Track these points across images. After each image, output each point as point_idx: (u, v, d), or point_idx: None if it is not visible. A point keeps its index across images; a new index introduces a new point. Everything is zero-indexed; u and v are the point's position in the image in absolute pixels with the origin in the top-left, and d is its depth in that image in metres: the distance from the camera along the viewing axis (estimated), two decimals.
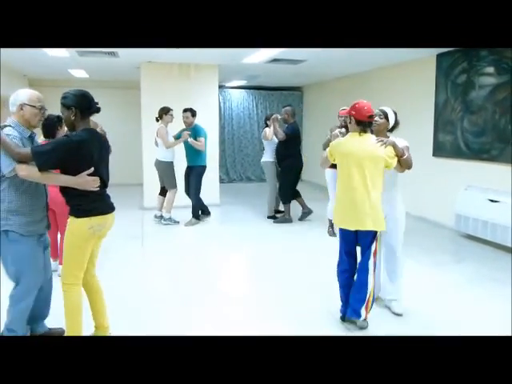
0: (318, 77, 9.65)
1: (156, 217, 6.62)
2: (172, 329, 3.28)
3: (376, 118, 3.41)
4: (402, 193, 3.62)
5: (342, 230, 3.36)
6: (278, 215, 6.94)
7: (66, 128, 2.96)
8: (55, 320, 3.07)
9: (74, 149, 2.61)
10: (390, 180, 3.43)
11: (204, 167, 6.50)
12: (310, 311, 3.65)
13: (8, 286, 2.71)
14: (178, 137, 6.41)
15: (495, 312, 3.64)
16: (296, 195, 6.84)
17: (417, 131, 6.50)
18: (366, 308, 3.29)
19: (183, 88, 7.66)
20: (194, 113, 6.41)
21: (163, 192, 6.58)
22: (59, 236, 4.22)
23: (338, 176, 3.35)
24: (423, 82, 6.77)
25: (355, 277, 3.35)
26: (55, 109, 3.31)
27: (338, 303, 3.46)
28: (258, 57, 6.79)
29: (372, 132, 3.37)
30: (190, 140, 6.21)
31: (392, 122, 3.52)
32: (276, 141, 6.69)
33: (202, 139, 6.30)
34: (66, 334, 2.87)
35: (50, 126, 3.75)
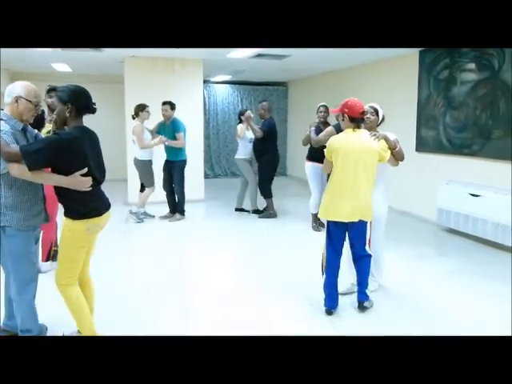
0: (302, 72, 9.67)
1: (131, 212, 6.43)
2: (162, 328, 3.28)
3: (368, 115, 3.56)
4: (387, 189, 3.75)
5: (333, 224, 3.41)
6: (243, 213, 6.96)
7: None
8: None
9: (64, 147, 2.53)
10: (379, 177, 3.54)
11: (185, 161, 6.46)
12: (301, 305, 3.69)
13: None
14: (158, 132, 6.34)
15: (476, 303, 3.72)
16: None
17: (400, 126, 6.55)
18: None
19: (167, 83, 7.61)
20: (173, 106, 6.30)
21: (143, 189, 6.49)
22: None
23: (333, 170, 3.41)
24: (406, 77, 6.84)
25: (357, 264, 3.52)
26: None
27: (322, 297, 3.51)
28: (242, 52, 6.78)
29: (364, 128, 3.50)
30: (168, 142, 6.14)
31: (381, 117, 3.69)
32: (249, 137, 6.72)
33: (181, 134, 6.24)
34: (79, 330, 2.87)
35: (40, 120, 3.70)
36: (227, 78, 10.59)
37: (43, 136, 3.57)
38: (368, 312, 3.53)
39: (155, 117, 6.42)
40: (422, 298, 3.83)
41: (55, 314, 3.11)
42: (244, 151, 6.77)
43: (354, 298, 3.63)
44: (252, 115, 6.65)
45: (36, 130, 2.98)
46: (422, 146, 6.59)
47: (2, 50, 6.47)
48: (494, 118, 5.31)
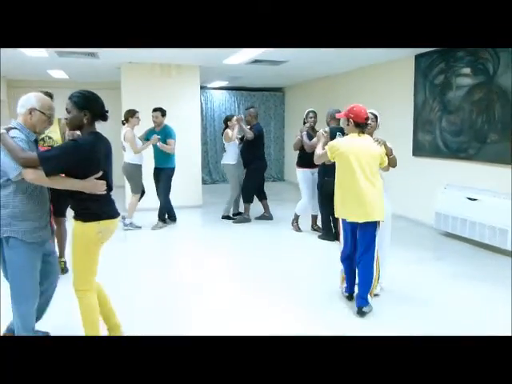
0: (299, 77, 9.71)
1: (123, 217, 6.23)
2: (162, 329, 3.28)
3: (369, 121, 3.67)
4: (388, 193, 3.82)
5: (348, 223, 3.61)
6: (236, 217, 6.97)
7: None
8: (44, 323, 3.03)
9: (81, 153, 2.54)
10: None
11: (173, 169, 6.40)
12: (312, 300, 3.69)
13: (8, 289, 2.67)
14: (146, 138, 6.29)
15: (474, 306, 3.72)
16: (262, 197, 6.92)
17: (396, 131, 6.59)
18: (371, 293, 3.61)
19: (164, 89, 7.63)
20: (163, 112, 6.27)
21: (143, 195, 6.40)
22: None
23: (339, 174, 3.58)
24: (402, 82, 6.87)
25: (359, 267, 3.61)
26: None
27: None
28: (239, 58, 6.80)
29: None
30: (160, 144, 6.10)
31: (378, 123, 3.87)
32: (237, 142, 6.75)
33: (172, 141, 6.20)
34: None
35: None
36: (224, 83, 10.62)
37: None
38: (367, 315, 3.53)
39: (149, 123, 6.38)
40: (420, 301, 3.83)
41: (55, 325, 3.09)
42: (232, 156, 6.76)
43: (350, 300, 3.73)
44: (243, 117, 6.67)
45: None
46: (418, 150, 6.60)
47: None
48: (490, 122, 5.33)
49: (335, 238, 5.45)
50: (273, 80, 10.08)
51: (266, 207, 6.93)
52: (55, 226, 3.95)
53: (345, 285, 3.84)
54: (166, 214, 6.55)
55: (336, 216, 3.75)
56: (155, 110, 6.24)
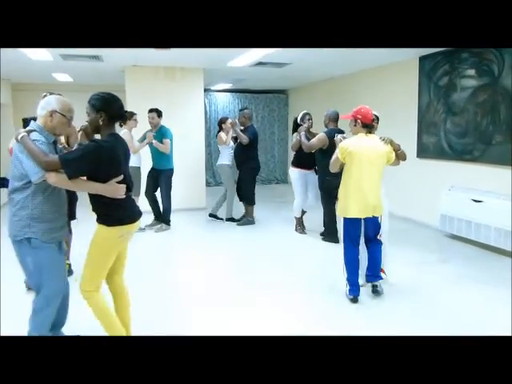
0: (302, 80, 9.71)
1: None
2: (162, 329, 3.27)
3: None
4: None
5: (349, 221, 3.76)
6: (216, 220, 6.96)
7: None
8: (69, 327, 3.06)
9: (103, 155, 2.53)
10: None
11: (172, 170, 6.37)
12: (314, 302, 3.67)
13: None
14: (142, 140, 6.27)
15: (479, 308, 3.71)
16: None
17: (401, 133, 6.55)
18: (383, 271, 3.96)
19: (168, 91, 7.64)
20: (159, 113, 6.24)
21: None
22: None
23: (348, 172, 3.74)
24: (406, 84, 6.86)
25: (369, 251, 3.88)
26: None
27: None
28: (243, 60, 6.81)
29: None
30: (155, 142, 6.06)
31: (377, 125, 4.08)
32: (232, 144, 6.75)
33: (168, 141, 6.16)
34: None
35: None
36: (228, 86, 10.63)
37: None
38: (370, 315, 3.56)
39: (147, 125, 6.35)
40: (425, 303, 3.81)
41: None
42: (226, 157, 6.76)
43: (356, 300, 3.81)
44: (237, 121, 6.66)
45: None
46: (423, 152, 6.58)
47: (3, 60, 6.52)
48: (495, 124, 5.31)
49: (338, 240, 5.48)
50: (277, 82, 10.09)
51: (249, 211, 6.94)
52: None
53: (348, 289, 3.86)
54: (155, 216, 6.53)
55: (338, 215, 3.89)
56: (151, 110, 6.20)
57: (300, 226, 6.25)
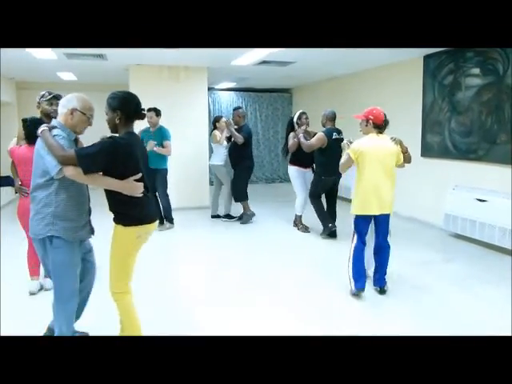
0: (307, 78, 9.69)
1: None
2: (162, 330, 3.28)
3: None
4: None
5: (362, 218, 3.88)
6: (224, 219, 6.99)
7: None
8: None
9: (119, 151, 2.54)
10: None
11: (167, 170, 6.33)
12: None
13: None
14: (142, 137, 5.98)
15: (483, 308, 3.70)
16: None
17: (405, 132, 6.52)
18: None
19: (172, 90, 7.64)
20: (158, 112, 6.18)
21: None
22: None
23: (361, 171, 3.82)
24: (411, 83, 6.83)
25: (378, 253, 3.97)
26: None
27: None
28: (246, 59, 6.80)
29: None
30: (157, 148, 5.99)
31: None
32: (225, 144, 6.76)
33: (169, 143, 6.12)
34: None
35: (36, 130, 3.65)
36: (232, 85, 10.63)
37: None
38: (373, 314, 3.56)
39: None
40: (428, 303, 3.81)
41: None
42: (220, 157, 6.77)
43: (357, 299, 3.87)
44: (231, 121, 6.66)
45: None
46: (427, 151, 6.56)
47: (8, 59, 6.55)
48: (500, 123, 5.28)
49: (335, 225, 5.80)
50: (280, 81, 10.08)
51: (245, 207, 6.98)
52: None
53: (352, 284, 3.92)
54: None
55: (352, 212, 3.93)
56: (149, 109, 6.10)
57: (302, 224, 6.29)
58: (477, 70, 5.60)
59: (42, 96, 3.86)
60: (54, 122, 2.68)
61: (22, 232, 3.79)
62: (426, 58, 6.44)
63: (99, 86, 9.65)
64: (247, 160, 6.74)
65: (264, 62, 7.12)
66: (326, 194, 5.95)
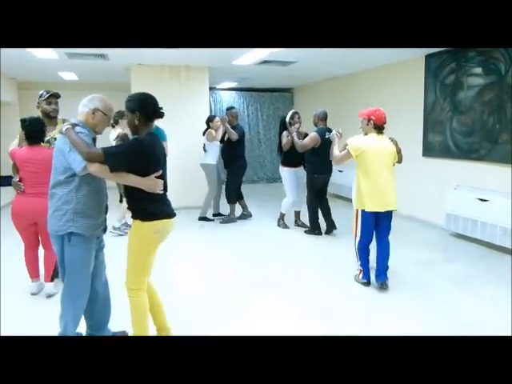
0: (308, 78, 9.68)
1: (115, 228, 6.00)
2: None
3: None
4: None
5: (368, 214, 4.00)
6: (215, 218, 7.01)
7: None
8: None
9: (144, 151, 2.62)
10: None
11: None
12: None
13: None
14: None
15: (484, 308, 3.69)
16: (240, 197, 7.01)
17: (406, 131, 6.54)
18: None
19: (174, 90, 7.64)
20: None
21: (122, 199, 6.01)
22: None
23: (363, 170, 3.97)
24: (412, 82, 6.83)
25: (379, 248, 4.12)
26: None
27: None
28: (248, 59, 6.80)
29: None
30: None
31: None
32: (218, 143, 6.77)
33: (166, 143, 5.88)
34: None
35: (38, 130, 3.62)
36: (233, 84, 10.63)
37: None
38: (374, 314, 3.56)
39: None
40: (429, 302, 3.80)
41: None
42: (213, 156, 6.74)
43: (358, 299, 3.89)
44: (227, 117, 6.66)
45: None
46: (428, 150, 6.55)
47: (9, 59, 6.55)
48: (501, 122, 5.28)
49: (321, 232, 6.02)
50: (282, 81, 10.07)
51: (244, 206, 7.05)
52: None
53: (361, 274, 4.16)
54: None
55: (359, 208, 4.07)
56: None
57: (283, 220, 6.45)
58: (479, 70, 5.60)
59: (41, 96, 3.88)
60: (74, 120, 2.71)
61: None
62: (428, 57, 6.44)
63: (101, 86, 9.66)
64: (240, 159, 6.78)
65: (265, 62, 7.12)
66: (317, 192, 5.99)
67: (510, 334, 3.13)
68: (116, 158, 2.55)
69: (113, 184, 3.29)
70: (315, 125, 5.88)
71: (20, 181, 3.72)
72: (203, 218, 6.92)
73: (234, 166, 6.74)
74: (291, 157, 6.13)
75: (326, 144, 5.60)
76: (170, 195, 2.85)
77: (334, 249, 5.43)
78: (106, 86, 9.76)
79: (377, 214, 4.01)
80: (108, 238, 5.98)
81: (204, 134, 6.78)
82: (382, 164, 3.94)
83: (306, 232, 6.13)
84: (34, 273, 3.93)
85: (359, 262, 4.18)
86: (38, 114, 3.89)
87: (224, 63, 7.29)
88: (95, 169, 2.53)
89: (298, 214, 6.52)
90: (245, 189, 7.35)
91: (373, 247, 4.19)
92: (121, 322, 3.07)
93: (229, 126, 6.56)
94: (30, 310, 3.63)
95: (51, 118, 3.92)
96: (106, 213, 2.90)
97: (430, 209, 6.57)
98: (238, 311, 3.68)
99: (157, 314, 2.98)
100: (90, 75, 8.73)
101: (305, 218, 6.31)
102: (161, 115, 2.79)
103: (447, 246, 5.68)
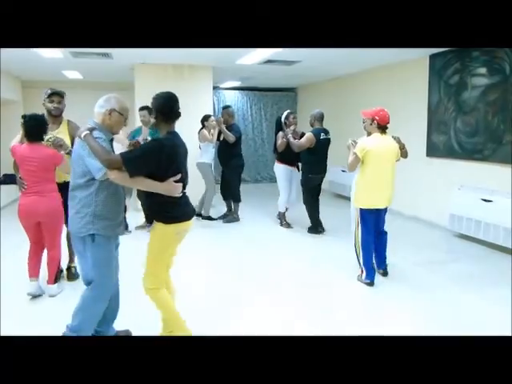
0: (311, 78, 9.67)
1: None
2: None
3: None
4: None
5: (367, 211, 4.12)
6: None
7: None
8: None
9: (164, 153, 2.60)
10: None
11: None
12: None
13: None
14: (133, 135, 5.86)
15: (488, 309, 3.68)
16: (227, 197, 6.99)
17: (410, 131, 6.53)
18: None
19: (177, 89, 7.45)
20: (151, 111, 6.08)
21: None
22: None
23: (366, 168, 4.06)
24: (416, 82, 6.81)
25: (379, 241, 4.27)
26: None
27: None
28: (251, 58, 6.80)
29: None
30: None
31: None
32: (213, 143, 6.69)
33: None
34: (174, 334, 2.89)
35: (38, 127, 3.61)
36: (236, 84, 10.63)
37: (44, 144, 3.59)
38: (376, 314, 3.57)
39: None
40: (432, 303, 3.80)
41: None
42: (207, 156, 6.67)
43: (359, 298, 3.93)
44: (222, 119, 6.62)
45: None
46: (432, 150, 6.54)
47: (13, 58, 6.57)
48: (506, 123, 5.26)
49: (324, 229, 6.05)
50: (285, 80, 10.06)
51: (230, 207, 7.00)
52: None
53: (365, 274, 4.16)
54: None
55: (356, 206, 4.17)
56: (142, 108, 6.00)
57: (285, 220, 6.45)
58: (483, 70, 5.57)
59: (45, 94, 3.92)
60: (90, 123, 2.71)
61: (23, 232, 3.80)
62: (432, 57, 6.42)
63: (105, 85, 9.67)
64: (237, 159, 6.75)
65: (269, 61, 7.12)
66: (311, 191, 6.01)
67: (510, 334, 3.12)
68: (136, 163, 2.55)
69: None
70: (311, 125, 5.92)
71: (21, 178, 3.73)
72: (207, 218, 6.89)
73: (232, 166, 6.72)
74: (287, 155, 6.17)
75: (321, 144, 5.72)
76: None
77: (334, 248, 5.42)
78: (110, 85, 9.77)
79: (376, 210, 4.15)
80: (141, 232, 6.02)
81: (199, 133, 6.68)
82: (384, 163, 4.05)
83: (308, 231, 6.12)
84: (33, 272, 3.88)
85: (361, 261, 4.20)
86: (43, 111, 3.92)
87: (228, 62, 7.29)
88: (115, 176, 2.55)
89: (284, 213, 6.50)
90: (248, 188, 7.34)
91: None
92: (121, 321, 3.09)
93: (225, 128, 6.49)
94: (30, 310, 3.63)
95: (54, 116, 3.94)
96: (125, 212, 2.92)
97: (433, 209, 6.56)
98: (238, 311, 3.67)
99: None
100: (94, 74, 8.75)
101: (305, 217, 6.28)
102: (178, 115, 2.80)
103: (450, 246, 5.67)
